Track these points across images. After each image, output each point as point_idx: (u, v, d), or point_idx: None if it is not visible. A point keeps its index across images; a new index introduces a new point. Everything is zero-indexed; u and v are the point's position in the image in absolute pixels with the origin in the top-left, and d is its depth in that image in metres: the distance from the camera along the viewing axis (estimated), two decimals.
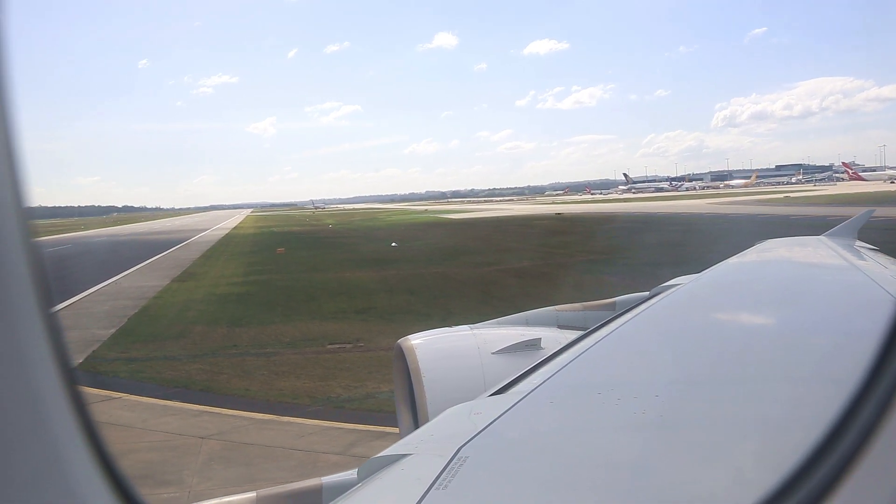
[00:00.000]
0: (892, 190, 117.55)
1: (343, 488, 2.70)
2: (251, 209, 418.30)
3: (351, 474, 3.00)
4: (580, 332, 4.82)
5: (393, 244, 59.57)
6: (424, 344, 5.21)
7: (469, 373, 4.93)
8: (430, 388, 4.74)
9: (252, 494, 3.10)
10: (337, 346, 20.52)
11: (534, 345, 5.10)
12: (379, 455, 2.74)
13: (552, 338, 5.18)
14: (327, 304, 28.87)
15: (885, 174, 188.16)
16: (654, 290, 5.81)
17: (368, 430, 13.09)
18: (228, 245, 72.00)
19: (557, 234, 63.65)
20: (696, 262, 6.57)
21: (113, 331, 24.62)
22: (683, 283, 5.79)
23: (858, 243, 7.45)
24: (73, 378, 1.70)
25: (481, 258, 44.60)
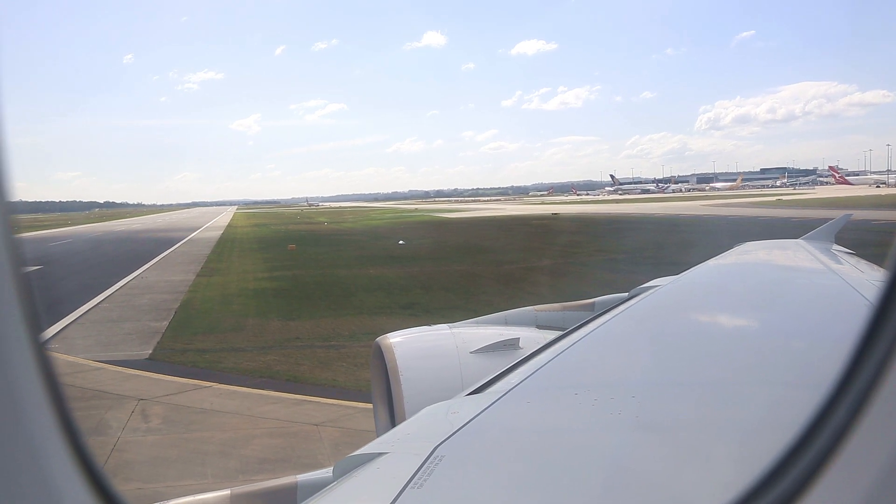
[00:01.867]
0: (882, 194, 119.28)
1: (318, 486, 2.73)
2: (235, 206, 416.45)
3: (326, 472, 3.03)
4: (559, 333, 4.84)
5: (400, 242, 59.84)
6: (403, 342, 5.22)
7: (447, 372, 4.94)
8: (408, 387, 4.76)
9: (226, 492, 3.13)
10: None
11: (512, 344, 5.12)
12: (354, 453, 2.74)
13: (531, 338, 5.20)
14: (367, 299, 29.19)
15: (871, 178, 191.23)
16: (633, 292, 5.88)
17: None
18: (234, 241, 71.98)
19: (566, 233, 64.26)
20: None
21: (166, 323, 24.92)
22: (662, 285, 5.84)
23: (835, 247, 7.61)
24: (52, 373, 1.70)
25: (499, 257, 45.07)
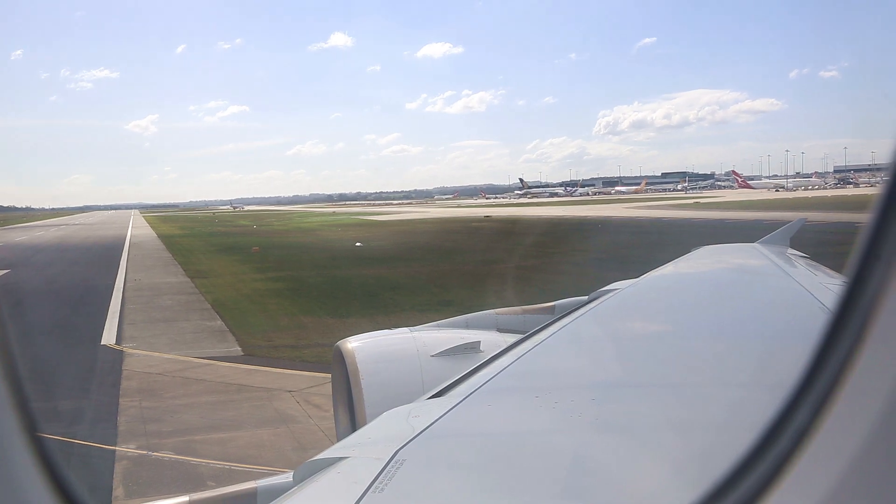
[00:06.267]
0: (790, 197, 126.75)
1: (278, 492, 2.71)
2: (134, 210, 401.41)
3: (286, 478, 3.03)
4: (519, 336, 4.92)
5: (358, 244, 59.93)
6: (363, 346, 5.21)
7: (408, 376, 4.95)
8: (369, 391, 4.77)
9: (185, 498, 3.11)
10: None
11: (473, 348, 5.15)
12: (314, 458, 2.73)
13: (491, 341, 5.25)
14: (397, 298, 29.72)
15: (771, 183, 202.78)
16: (593, 295, 5.95)
17: None
18: (184, 245, 70.31)
19: (520, 235, 65.68)
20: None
21: (219, 322, 25.22)
22: (621, 288, 5.95)
23: (790, 251, 7.75)
24: (16, 377, 1.74)
25: (478, 257, 45.84)
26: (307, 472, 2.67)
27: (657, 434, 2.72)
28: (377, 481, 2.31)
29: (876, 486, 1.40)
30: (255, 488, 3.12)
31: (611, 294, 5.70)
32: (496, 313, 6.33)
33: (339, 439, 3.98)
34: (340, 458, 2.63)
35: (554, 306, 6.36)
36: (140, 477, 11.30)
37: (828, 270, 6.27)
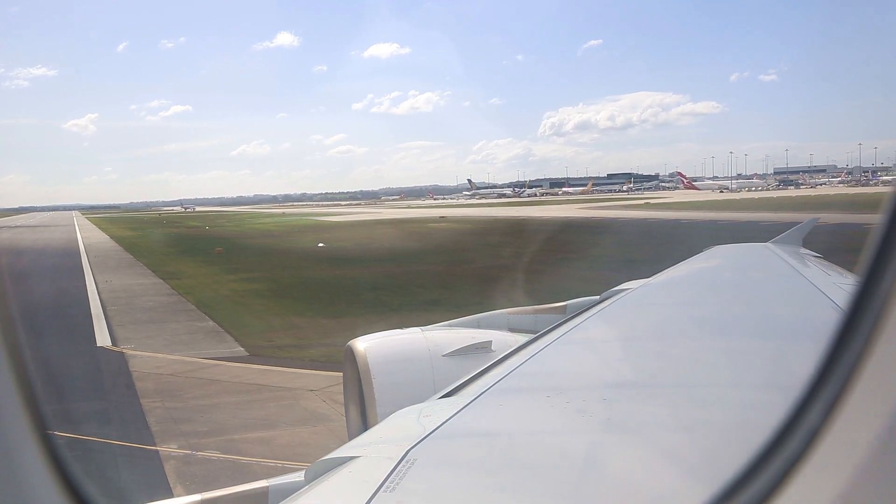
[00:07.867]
0: (738, 198, 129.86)
1: (289, 491, 2.70)
2: (74, 211, 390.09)
3: (297, 477, 3.00)
4: (531, 336, 4.93)
5: (320, 244, 59.78)
6: (375, 346, 5.21)
7: (419, 375, 4.96)
8: (380, 390, 4.77)
9: (197, 497, 3.10)
10: None
11: (484, 347, 5.17)
12: (326, 458, 2.74)
13: (503, 340, 5.25)
14: (382, 297, 29.86)
15: (716, 185, 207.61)
16: (604, 295, 5.97)
17: None
18: (142, 247, 68.90)
19: (481, 234, 66.00)
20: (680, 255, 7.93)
21: (211, 322, 25.11)
22: (633, 288, 5.95)
23: (803, 250, 7.79)
24: (27, 377, 1.76)
25: (447, 257, 45.93)
26: (318, 471, 2.67)
27: (668, 434, 2.72)
28: (388, 481, 2.32)
29: (887, 486, 1.41)
30: (267, 487, 3.11)
31: (622, 294, 5.76)
32: (508, 313, 6.40)
33: (350, 438, 4.00)
34: (351, 458, 2.64)
35: (566, 306, 6.41)
36: (195, 475, 11.33)
37: (841, 270, 6.32)
